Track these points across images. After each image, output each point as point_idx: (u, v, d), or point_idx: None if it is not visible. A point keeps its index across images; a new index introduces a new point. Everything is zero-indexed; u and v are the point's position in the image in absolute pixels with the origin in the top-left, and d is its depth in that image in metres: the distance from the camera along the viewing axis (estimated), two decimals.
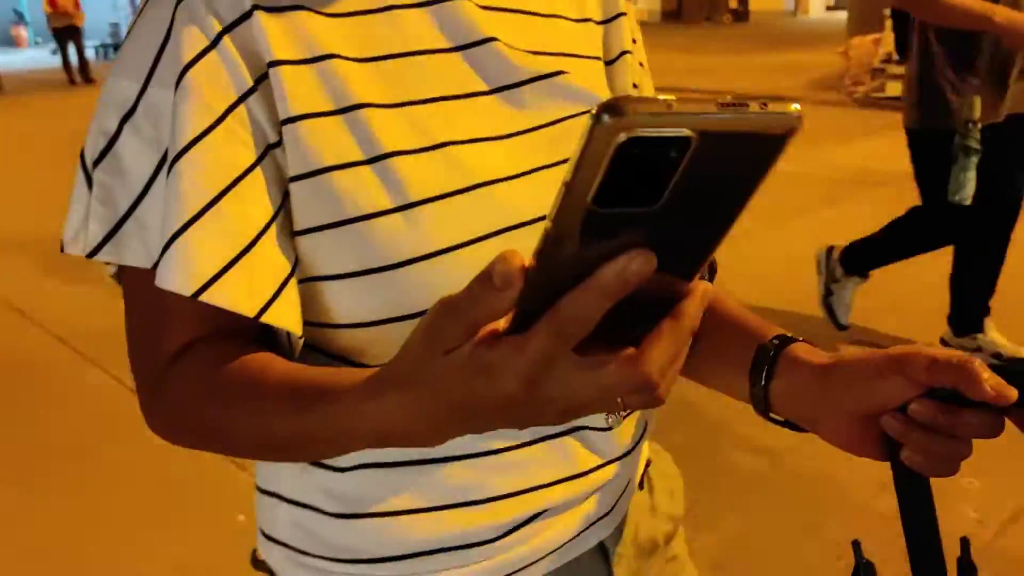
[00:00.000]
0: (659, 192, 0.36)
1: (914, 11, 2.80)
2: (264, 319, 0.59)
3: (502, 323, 0.42)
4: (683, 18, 21.27)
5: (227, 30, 0.59)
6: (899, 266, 3.34)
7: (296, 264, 0.62)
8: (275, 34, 0.60)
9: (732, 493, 2.50)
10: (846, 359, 0.60)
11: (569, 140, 0.63)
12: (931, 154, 2.91)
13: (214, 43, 0.59)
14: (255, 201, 0.59)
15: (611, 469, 0.73)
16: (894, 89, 8.38)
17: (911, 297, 3.66)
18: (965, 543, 0.59)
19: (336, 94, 0.60)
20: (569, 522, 0.72)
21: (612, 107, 0.33)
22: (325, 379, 0.53)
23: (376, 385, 0.49)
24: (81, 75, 15.63)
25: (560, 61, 0.70)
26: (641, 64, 0.80)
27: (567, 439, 0.69)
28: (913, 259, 3.27)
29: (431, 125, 0.62)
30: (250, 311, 0.58)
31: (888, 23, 8.53)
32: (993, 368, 0.53)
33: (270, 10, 0.60)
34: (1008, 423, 0.54)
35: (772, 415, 0.64)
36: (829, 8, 19.69)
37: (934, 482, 0.57)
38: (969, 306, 3.15)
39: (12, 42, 29.13)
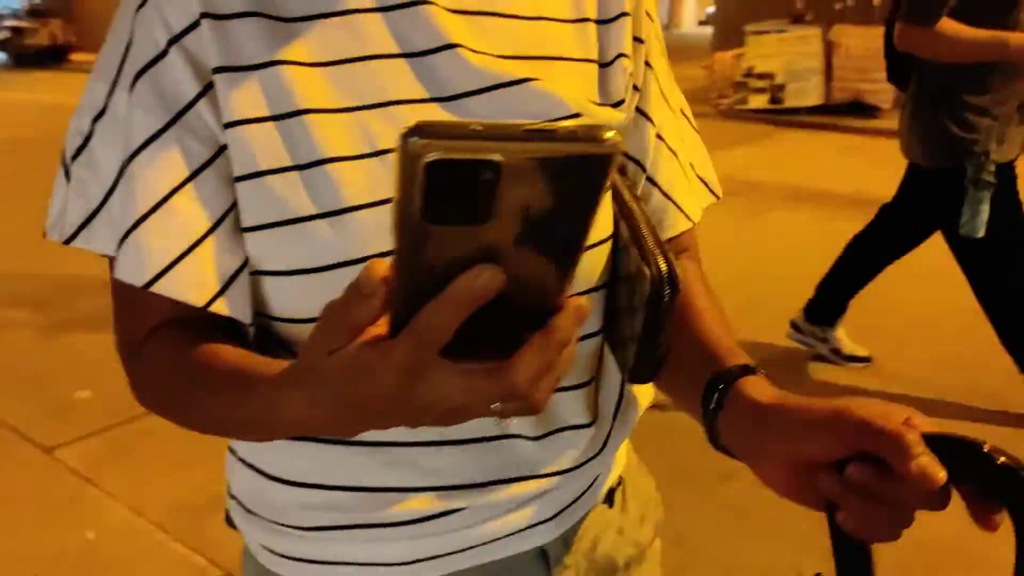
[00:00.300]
0: (487, 211, 0.37)
1: (924, 53, 2.66)
2: (212, 309, 0.64)
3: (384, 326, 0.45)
4: None
5: (176, 38, 0.62)
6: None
7: (246, 258, 0.65)
8: (221, 41, 0.62)
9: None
10: (787, 404, 0.57)
11: None
12: (937, 190, 2.83)
13: (164, 51, 0.62)
14: (206, 199, 0.63)
15: (551, 480, 0.74)
16: (756, 101, 8.76)
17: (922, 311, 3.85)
18: None
19: (277, 100, 0.62)
20: (495, 523, 0.73)
21: (417, 130, 0.34)
22: (255, 370, 0.58)
23: (283, 380, 0.53)
24: None
25: (538, 65, 0.68)
26: (648, 64, 0.77)
27: (497, 444, 0.71)
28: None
29: (377, 131, 0.63)
30: (198, 301, 0.63)
31: (750, 39, 8.92)
32: (932, 439, 0.49)
33: (220, 17, 0.62)
34: None
35: (722, 444, 0.63)
36: (701, 23, 20.38)
37: None
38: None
39: None
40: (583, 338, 0.73)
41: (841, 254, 3.26)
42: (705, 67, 10.02)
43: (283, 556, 0.75)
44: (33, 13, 18.93)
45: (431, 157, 0.35)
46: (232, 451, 0.77)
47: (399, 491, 0.70)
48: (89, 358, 3.56)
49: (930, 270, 3.40)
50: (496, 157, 0.35)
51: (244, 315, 0.65)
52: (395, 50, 0.65)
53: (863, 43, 7.35)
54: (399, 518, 0.70)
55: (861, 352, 3.34)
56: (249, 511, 0.76)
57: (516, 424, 0.71)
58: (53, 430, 3.02)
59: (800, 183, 6.24)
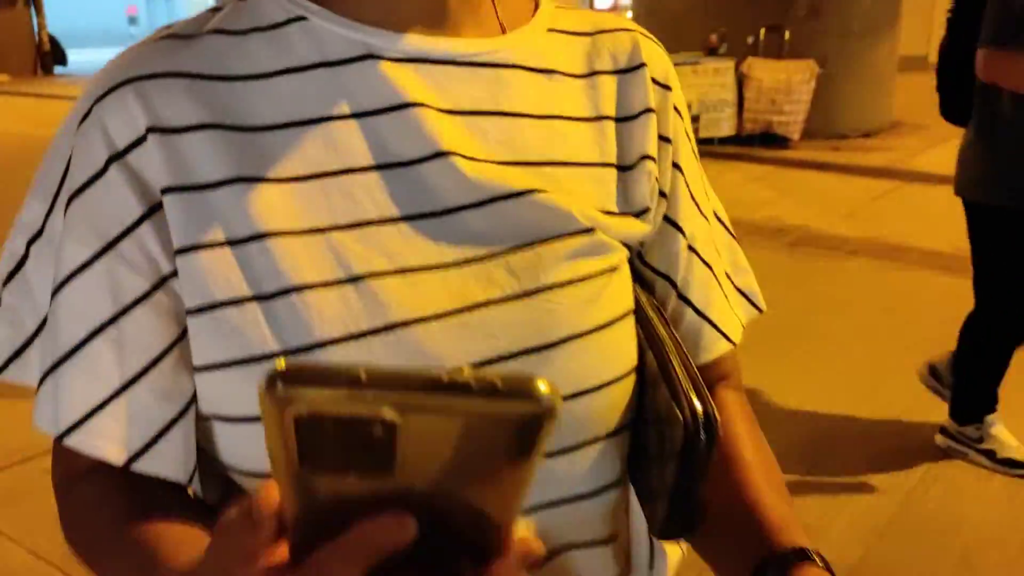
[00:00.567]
0: (383, 464, 0.31)
1: (1009, 84, 2.41)
2: (135, 468, 0.56)
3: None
4: None
5: (117, 156, 0.56)
6: None
7: (190, 405, 0.57)
8: (171, 158, 0.56)
9: None
10: None
11: (528, 271, 0.59)
12: (997, 231, 2.58)
13: (102, 170, 0.56)
14: (136, 339, 0.56)
15: None
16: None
17: None
18: None
19: (235, 222, 0.56)
20: None
21: (282, 375, 0.29)
22: (161, 555, 0.52)
23: None
24: None
25: (545, 172, 0.61)
26: (676, 165, 0.68)
27: None
28: None
29: (350, 254, 0.56)
30: (117, 459, 0.56)
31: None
32: None
33: (170, 131, 0.56)
34: None
35: None
36: None
37: None
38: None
39: None
40: (599, 491, 0.63)
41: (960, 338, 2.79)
42: None
43: None
44: None
45: (297, 411, 0.29)
46: None
47: None
48: None
49: None
50: (387, 414, 0.29)
51: (178, 473, 0.57)
52: (376, 161, 0.58)
53: (773, 76, 7.63)
54: None
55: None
56: None
57: None
58: None
59: None
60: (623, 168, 0.65)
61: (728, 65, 7.79)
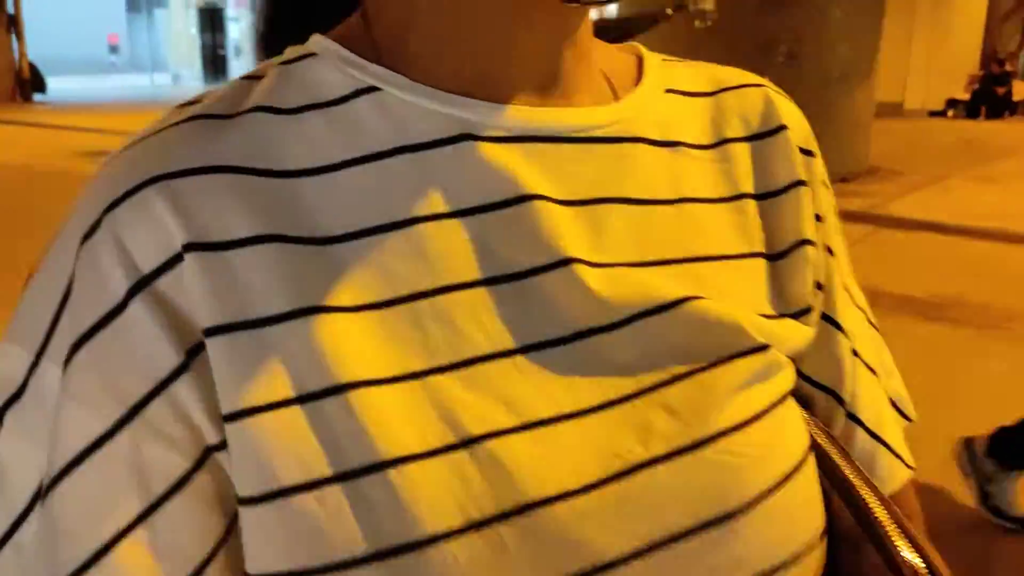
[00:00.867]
0: None
1: None
2: None
3: None
4: None
5: (143, 284, 0.40)
6: None
7: None
8: (218, 285, 0.41)
9: None
10: None
11: (695, 411, 0.44)
12: None
13: (121, 305, 0.40)
14: (174, 543, 0.40)
15: None
16: None
17: None
18: None
19: (305, 371, 0.40)
20: None
21: None
22: None
23: None
24: None
25: (688, 273, 0.48)
26: (828, 249, 0.55)
27: None
28: None
29: (459, 407, 0.41)
30: None
31: None
32: None
33: (214, 247, 0.41)
34: None
35: None
36: None
37: None
38: None
39: None
40: None
41: None
42: None
43: None
44: None
45: None
46: None
47: None
48: None
49: None
50: None
51: None
52: (483, 273, 0.44)
53: None
54: None
55: None
56: None
57: None
58: None
59: None
60: (773, 257, 0.52)
61: None
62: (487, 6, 0.45)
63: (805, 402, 0.53)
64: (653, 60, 0.56)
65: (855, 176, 8.50)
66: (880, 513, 0.48)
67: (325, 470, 0.40)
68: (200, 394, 0.40)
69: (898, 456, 0.56)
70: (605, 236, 0.47)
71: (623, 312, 0.45)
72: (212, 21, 28.25)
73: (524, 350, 0.44)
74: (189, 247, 0.41)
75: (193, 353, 0.41)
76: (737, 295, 0.49)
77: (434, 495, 0.40)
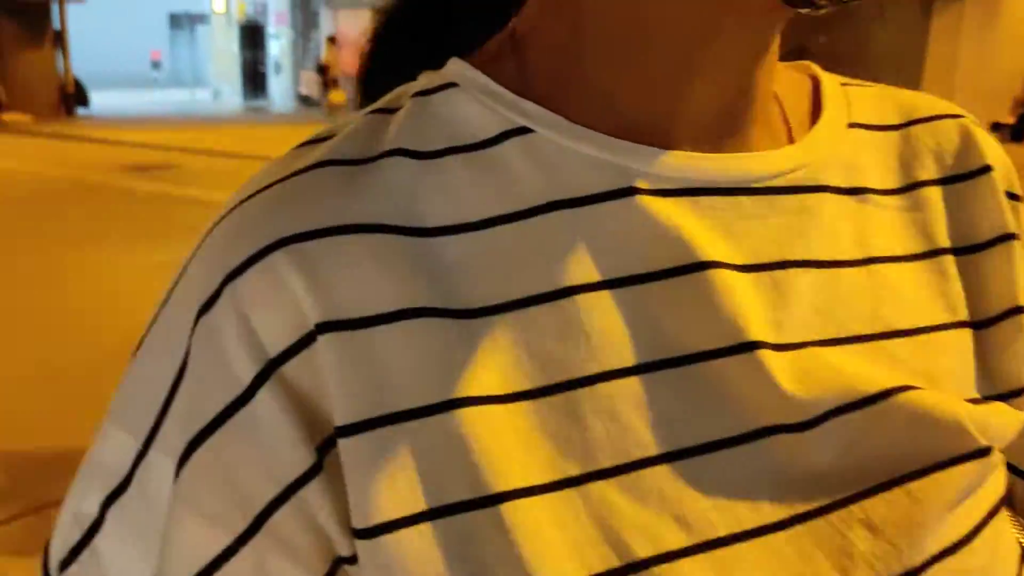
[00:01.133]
0: None
1: None
2: None
3: None
4: None
5: (271, 368, 0.34)
6: None
7: None
8: (355, 374, 0.34)
9: None
10: None
11: (904, 530, 0.36)
12: None
13: (246, 395, 0.34)
14: None
15: None
16: None
17: None
18: None
19: (455, 478, 0.34)
20: None
21: None
22: None
23: None
24: None
25: (884, 352, 0.40)
26: None
27: None
28: None
29: (624, 523, 0.34)
30: None
31: None
32: None
33: (352, 325, 0.35)
34: None
35: None
36: None
37: None
38: None
39: None
40: None
41: None
42: None
43: None
44: None
45: None
46: None
47: None
48: (3, 440, 3.40)
49: None
50: None
51: None
52: (646, 356, 0.37)
53: None
54: None
55: None
56: None
57: None
58: None
59: None
60: (980, 325, 0.43)
61: None
62: (670, 22, 0.38)
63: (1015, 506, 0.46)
64: (831, 85, 0.47)
65: None
66: None
67: None
68: (330, 499, 0.34)
69: None
70: (789, 308, 0.39)
71: (817, 408, 0.37)
72: (253, 38, 28.65)
73: (695, 451, 0.36)
74: (323, 327, 0.34)
75: (323, 451, 0.34)
76: (942, 377, 0.40)
77: None
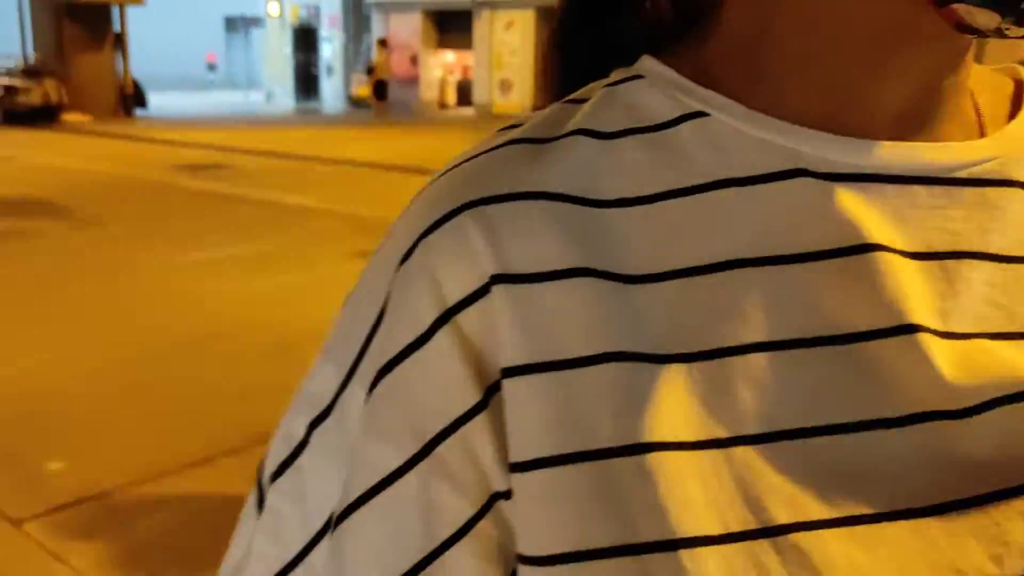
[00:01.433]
0: None
1: None
2: None
3: None
4: None
5: (449, 315, 0.38)
6: None
7: None
8: (526, 320, 0.38)
9: None
10: None
11: None
12: None
13: (425, 336, 0.39)
14: None
15: None
16: None
17: None
18: None
19: (608, 424, 0.37)
20: None
21: None
22: None
23: None
24: None
25: None
26: None
27: None
28: None
29: (764, 489, 0.36)
30: None
31: None
32: None
33: (524, 279, 0.38)
34: None
35: None
36: None
37: None
38: None
39: None
40: None
41: None
42: None
43: None
44: (28, 72, 19.12)
45: None
46: None
47: None
48: (63, 429, 3.51)
49: None
50: None
51: None
52: (805, 332, 0.38)
53: None
54: None
55: None
56: None
57: None
58: (22, 502, 2.93)
59: None
60: None
61: None
62: (864, 23, 0.39)
63: None
64: None
65: None
66: None
67: (611, 538, 0.36)
68: (492, 437, 0.38)
69: None
70: (959, 299, 0.39)
71: (978, 396, 0.37)
72: (306, 41, 29.04)
73: (847, 428, 0.36)
74: (497, 278, 0.38)
75: (490, 392, 0.38)
76: None
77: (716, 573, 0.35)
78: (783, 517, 0.35)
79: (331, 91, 27.68)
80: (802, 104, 0.40)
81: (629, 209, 0.39)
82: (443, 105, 24.60)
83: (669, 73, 0.43)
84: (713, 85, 0.41)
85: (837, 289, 0.38)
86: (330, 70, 28.02)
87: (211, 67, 37.48)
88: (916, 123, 0.41)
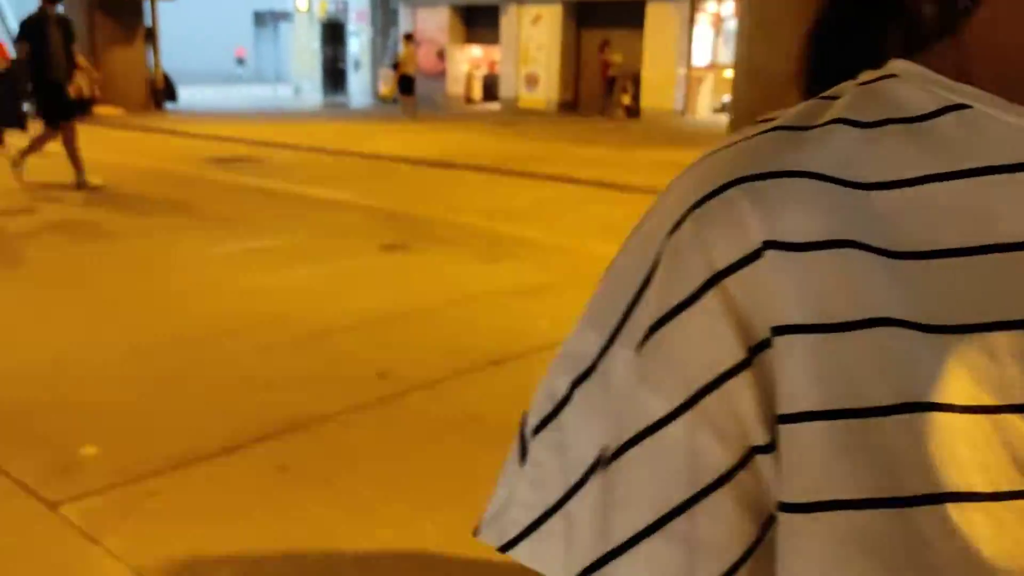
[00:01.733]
0: None
1: None
2: None
3: None
4: (579, 110, 21.98)
5: (718, 278, 0.41)
6: None
7: None
8: (796, 284, 0.40)
9: None
10: None
11: None
12: None
13: (696, 295, 0.42)
14: (711, 539, 0.42)
15: None
16: None
17: None
18: None
19: (875, 385, 0.39)
20: None
21: None
22: None
23: None
24: None
25: None
26: None
27: None
28: None
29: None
30: None
31: None
32: None
33: (793, 247, 0.41)
34: None
35: None
36: (715, 111, 20.71)
37: None
38: None
39: None
40: None
41: None
42: None
43: None
44: None
45: None
46: None
47: None
48: (97, 414, 3.58)
49: None
50: None
51: None
52: None
53: None
54: None
55: None
56: None
57: None
58: (58, 485, 2.99)
59: None
60: None
61: None
62: None
63: None
64: None
65: None
66: None
67: (876, 490, 0.38)
68: (755, 392, 0.41)
69: None
70: None
71: None
72: (333, 35, 29.12)
73: None
74: (769, 244, 0.41)
75: (755, 351, 0.41)
76: None
77: (999, 545, 0.37)
78: None
79: (358, 86, 27.74)
80: None
81: (890, 191, 0.42)
82: (469, 100, 24.62)
83: (927, 72, 0.45)
84: (971, 84, 0.43)
85: None
86: (357, 65, 28.08)
87: (240, 61, 37.67)
88: None
